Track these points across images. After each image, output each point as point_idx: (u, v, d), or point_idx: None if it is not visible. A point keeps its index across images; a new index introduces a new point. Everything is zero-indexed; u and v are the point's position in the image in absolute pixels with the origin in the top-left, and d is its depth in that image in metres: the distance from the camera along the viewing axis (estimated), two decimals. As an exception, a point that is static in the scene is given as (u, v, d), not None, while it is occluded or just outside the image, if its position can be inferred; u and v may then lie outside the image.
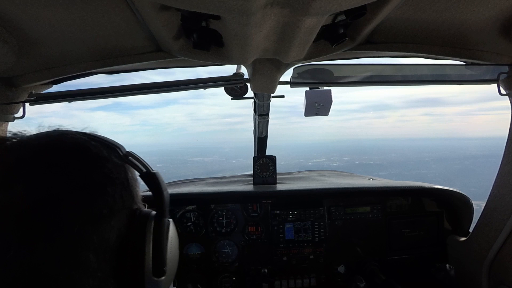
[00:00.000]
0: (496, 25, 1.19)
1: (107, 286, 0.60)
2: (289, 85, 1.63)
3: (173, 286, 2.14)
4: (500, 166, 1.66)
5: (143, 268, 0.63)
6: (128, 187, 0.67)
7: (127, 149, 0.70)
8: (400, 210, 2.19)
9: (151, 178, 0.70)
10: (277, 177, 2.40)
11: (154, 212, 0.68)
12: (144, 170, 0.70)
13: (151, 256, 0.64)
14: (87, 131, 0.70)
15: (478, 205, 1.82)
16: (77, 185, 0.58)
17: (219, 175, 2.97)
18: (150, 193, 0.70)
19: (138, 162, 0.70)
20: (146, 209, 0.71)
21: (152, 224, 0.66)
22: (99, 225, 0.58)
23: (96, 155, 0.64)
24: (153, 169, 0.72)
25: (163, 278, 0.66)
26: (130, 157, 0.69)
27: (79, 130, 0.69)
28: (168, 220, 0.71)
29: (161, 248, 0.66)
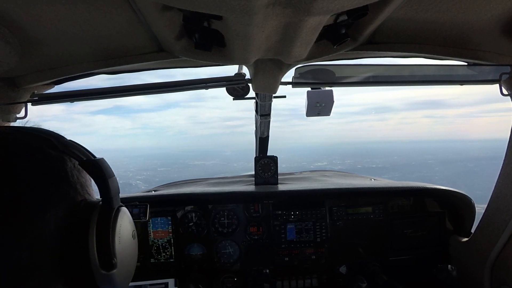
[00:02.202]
0: (498, 26, 1.18)
1: (54, 284, 0.57)
2: (290, 85, 1.63)
3: (175, 286, 2.15)
4: (502, 167, 1.66)
5: (88, 261, 0.60)
6: (67, 178, 0.63)
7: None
8: (402, 211, 2.19)
9: (91, 165, 0.66)
10: (278, 177, 2.40)
11: (101, 202, 0.65)
12: (84, 158, 0.66)
13: (95, 248, 0.61)
14: (29, 125, 0.68)
15: (484, 208, 1.81)
16: None
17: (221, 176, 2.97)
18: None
19: (78, 151, 0.65)
20: (94, 199, 0.68)
21: (97, 214, 0.63)
22: (28, 221, 0.54)
23: (20, 147, 0.59)
24: (96, 156, 0.68)
25: (114, 271, 0.63)
26: (68, 147, 0.65)
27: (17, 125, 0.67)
28: (118, 209, 0.67)
29: (107, 239, 0.62)
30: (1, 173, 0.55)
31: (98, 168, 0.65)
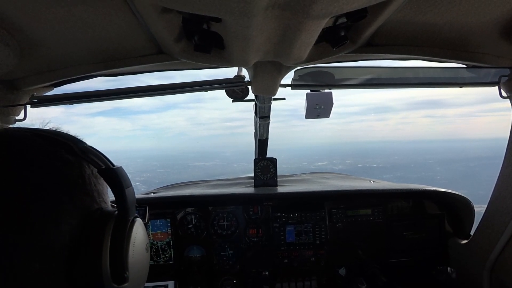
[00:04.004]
0: (497, 28, 1.18)
1: None
2: (290, 87, 1.63)
3: (175, 288, 2.13)
4: (501, 169, 1.66)
5: (100, 273, 0.57)
6: (83, 185, 0.61)
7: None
8: (401, 213, 2.19)
9: (110, 174, 0.63)
10: (278, 179, 2.40)
11: (117, 212, 0.63)
12: (103, 166, 0.63)
13: (108, 260, 0.58)
14: (48, 127, 0.66)
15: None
16: (3, 188, 0.52)
17: (220, 178, 2.97)
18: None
19: (97, 158, 0.63)
20: (110, 208, 0.65)
21: (112, 225, 0.60)
22: (39, 229, 0.52)
23: (39, 151, 0.57)
24: (115, 164, 0.66)
25: (126, 284, 0.60)
26: (86, 152, 0.62)
27: (38, 126, 0.65)
28: (134, 220, 0.65)
29: (121, 251, 0.60)
30: (17, 177, 0.53)
31: (116, 177, 0.63)
